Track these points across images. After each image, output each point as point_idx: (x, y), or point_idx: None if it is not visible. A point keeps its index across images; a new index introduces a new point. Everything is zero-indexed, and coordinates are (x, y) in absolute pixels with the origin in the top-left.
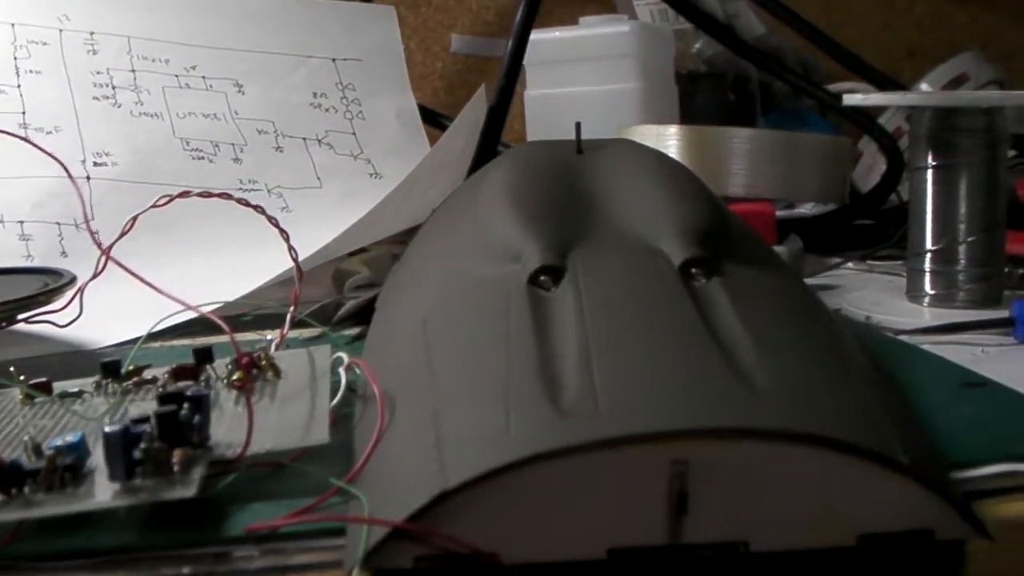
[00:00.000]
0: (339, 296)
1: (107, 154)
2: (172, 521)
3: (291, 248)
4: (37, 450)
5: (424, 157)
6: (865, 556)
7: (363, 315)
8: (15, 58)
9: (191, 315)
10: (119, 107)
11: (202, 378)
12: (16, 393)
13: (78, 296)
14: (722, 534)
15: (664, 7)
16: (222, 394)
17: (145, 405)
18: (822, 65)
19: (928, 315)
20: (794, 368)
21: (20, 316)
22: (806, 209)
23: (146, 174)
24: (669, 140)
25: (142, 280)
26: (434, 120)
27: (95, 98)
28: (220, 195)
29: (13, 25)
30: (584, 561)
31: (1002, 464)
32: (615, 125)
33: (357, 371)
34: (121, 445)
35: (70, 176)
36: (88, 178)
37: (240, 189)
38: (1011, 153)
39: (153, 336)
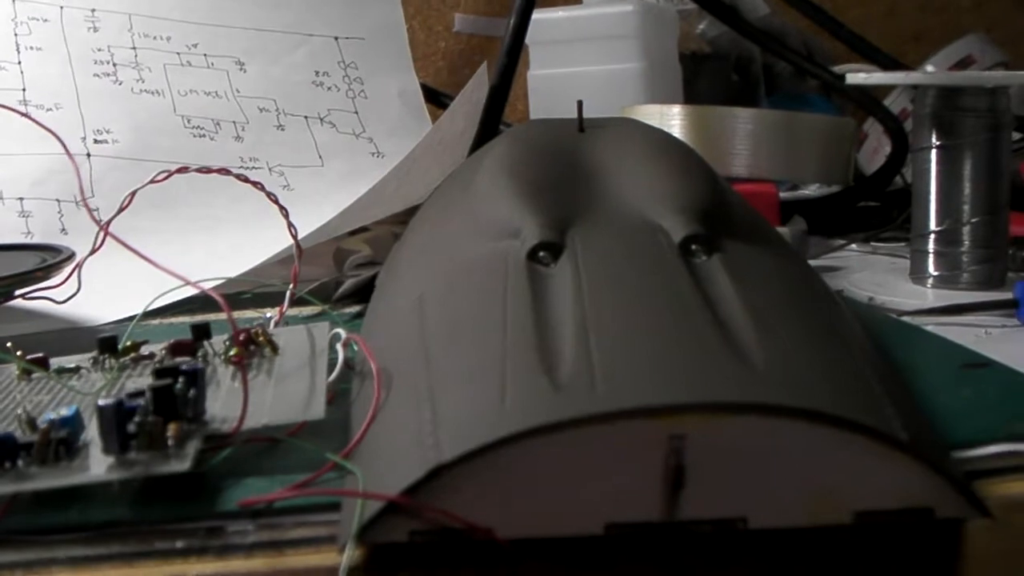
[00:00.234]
0: (339, 274)
1: (108, 131)
2: (166, 495)
3: (291, 225)
4: (31, 424)
5: (424, 136)
6: (863, 533)
7: (363, 293)
8: (15, 34)
9: (189, 292)
10: (120, 84)
11: (199, 354)
12: (13, 369)
13: (76, 272)
14: (720, 511)
15: None
16: (219, 370)
17: (142, 381)
18: (826, 46)
19: (931, 296)
20: (793, 345)
21: (17, 292)
22: (810, 191)
23: (147, 152)
24: (673, 120)
25: (140, 255)
26: (437, 100)
27: (96, 75)
28: (219, 171)
29: (13, 1)
30: (581, 536)
31: (1003, 444)
32: (618, 105)
33: (355, 348)
34: (115, 418)
35: (68, 153)
36: (88, 155)
37: (241, 167)
38: (1016, 136)
39: (151, 313)
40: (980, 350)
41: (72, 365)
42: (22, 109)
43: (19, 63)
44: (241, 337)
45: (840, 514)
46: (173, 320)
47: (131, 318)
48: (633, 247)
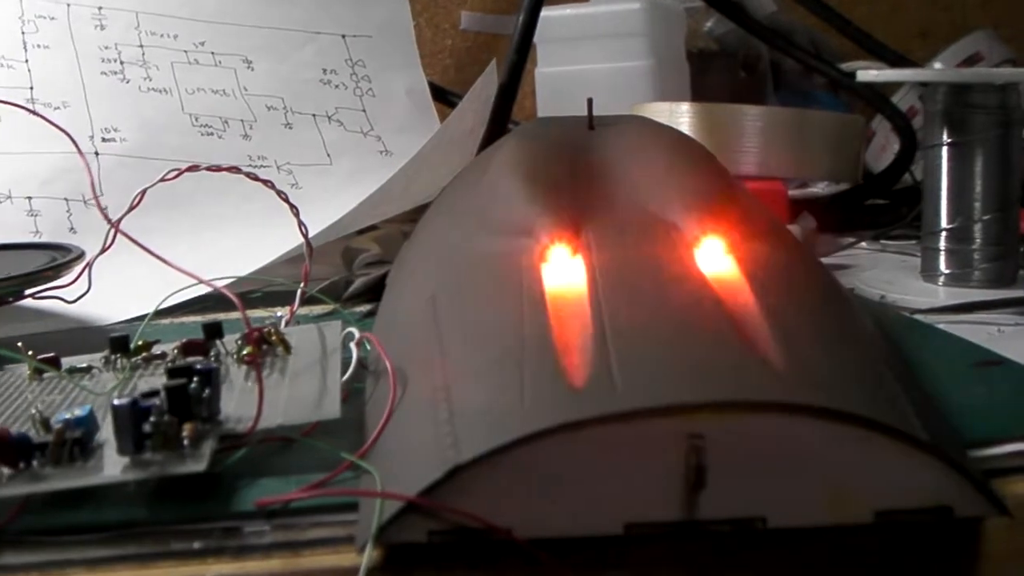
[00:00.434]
0: (349, 273)
1: (115, 130)
2: (180, 496)
3: (302, 224)
4: (45, 424)
5: (434, 134)
6: (883, 532)
7: (374, 292)
8: (23, 32)
9: (201, 291)
10: (127, 82)
11: (211, 353)
12: (24, 369)
13: (86, 271)
14: (740, 510)
15: None
16: (232, 369)
17: (154, 380)
18: (833, 43)
19: (943, 294)
20: (811, 344)
21: (27, 291)
22: (818, 188)
23: (154, 150)
24: (682, 118)
25: (153, 254)
26: (444, 98)
27: (103, 73)
28: (229, 169)
29: None
30: (600, 536)
31: (1019, 443)
32: (626, 103)
33: (368, 347)
34: (130, 418)
35: (79, 150)
36: (96, 154)
37: (249, 165)
38: None
39: (161, 312)
40: (993, 348)
41: (84, 365)
42: (29, 107)
43: (26, 61)
44: (254, 336)
45: (860, 513)
46: (183, 319)
47: (140, 317)
48: (648, 246)
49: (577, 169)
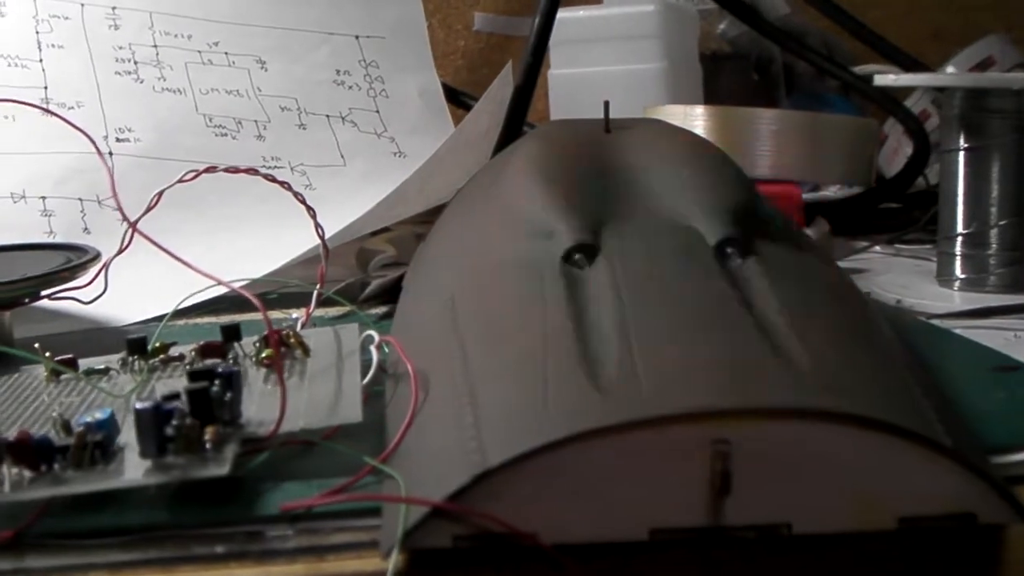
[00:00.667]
0: (364, 275)
1: (129, 130)
2: (202, 499)
3: (318, 226)
4: (66, 427)
5: (449, 136)
6: (906, 539)
7: (390, 294)
8: (37, 32)
9: (218, 292)
10: (141, 83)
11: (229, 356)
12: (40, 370)
13: (103, 272)
14: (765, 516)
15: None
16: (250, 372)
17: (172, 383)
18: (846, 46)
19: (958, 299)
20: (834, 349)
21: (44, 292)
22: (831, 192)
23: (168, 150)
24: (696, 120)
25: (171, 255)
26: (456, 99)
27: (117, 73)
28: (247, 171)
29: None
30: (625, 542)
31: None
32: (639, 105)
33: (386, 349)
34: (153, 421)
35: (98, 150)
36: (110, 154)
37: (263, 166)
38: None
39: (176, 314)
40: (1010, 353)
41: (101, 366)
42: (44, 107)
43: (40, 61)
44: (273, 338)
45: (884, 519)
46: (198, 320)
47: (156, 318)
48: (669, 249)
49: (595, 171)
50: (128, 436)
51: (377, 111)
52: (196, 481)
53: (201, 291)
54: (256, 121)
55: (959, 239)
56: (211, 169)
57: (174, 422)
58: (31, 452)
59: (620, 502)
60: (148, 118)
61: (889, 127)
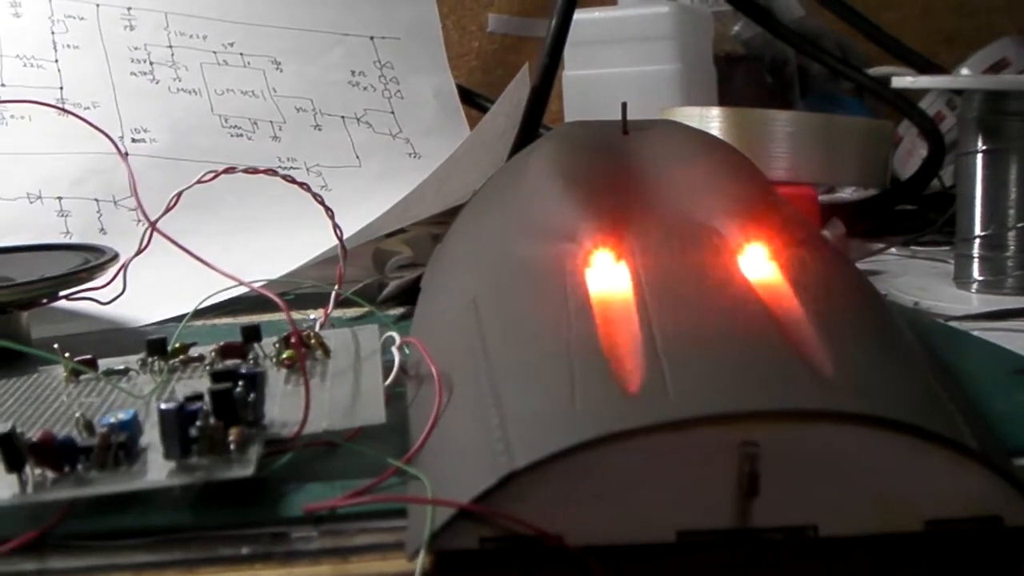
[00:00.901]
0: (381, 276)
1: (145, 130)
2: (226, 500)
3: (336, 227)
4: (89, 427)
5: (466, 138)
6: (932, 541)
7: (407, 295)
8: (53, 32)
9: (237, 292)
10: (157, 83)
11: (250, 356)
12: (60, 370)
13: (121, 273)
14: (791, 518)
15: None
16: (271, 373)
17: (192, 383)
18: (860, 48)
19: (976, 301)
20: (859, 351)
21: (62, 293)
22: (846, 194)
23: (184, 151)
24: (712, 122)
25: (192, 255)
26: (470, 100)
27: (133, 74)
28: (266, 172)
29: None
30: (652, 544)
31: None
32: (653, 107)
33: (407, 351)
34: (177, 422)
35: (119, 150)
36: (126, 154)
37: (279, 167)
38: None
39: (195, 314)
40: None
41: (121, 367)
42: (62, 107)
43: (56, 61)
44: (293, 339)
45: (910, 522)
46: (216, 321)
47: (174, 319)
48: (691, 252)
49: (615, 173)
50: (151, 437)
51: (392, 112)
52: (220, 482)
53: (222, 291)
54: (271, 122)
55: (977, 241)
56: (230, 170)
57: (198, 423)
58: (54, 453)
59: (647, 504)
60: (163, 118)
61: (903, 129)
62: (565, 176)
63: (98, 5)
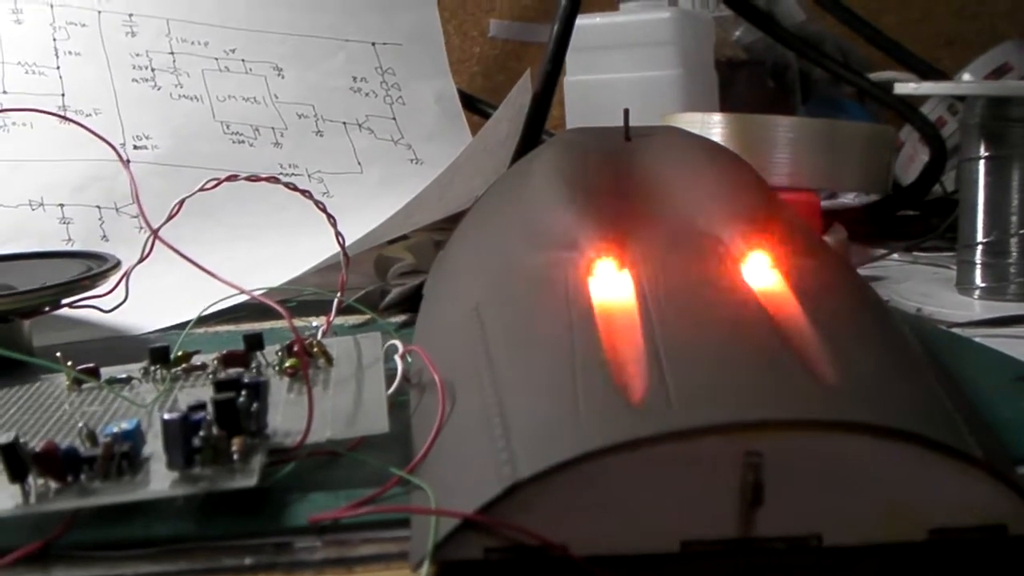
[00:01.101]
0: (383, 283)
1: (147, 137)
2: (229, 510)
3: (339, 234)
4: (92, 437)
5: (469, 144)
6: (937, 550)
7: (410, 302)
8: (54, 39)
9: (239, 300)
10: (158, 90)
11: (252, 365)
12: (62, 379)
13: (123, 280)
14: (795, 527)
15: None
16: (273, 381)
17: (195, 392)
18: (861, 52)
19: (979, 307)
20: (863, 360)
21: (64, 300)
22: (848, 199)
23: (186, 158)
24: (714, 128)
25: (195, 264)
26: (472, 106)
27: (134, 80)
28: (269, 179)
29: (52, 6)
30: (656, 554)
31: None
32: (655, 112)
33: (409, 359)
34: (180, 432)
35: (120, 157)
36: (128, 161)
37: (281, 173)
38: None
39: (197, 322)
40: None
41: (123, 375)
42: (61, 114)
43: (58, 68)
44: (295, 348)
45: (914, 531)
46: (218, 329)
47: (176, 326)
48: (694, 260)
49: (617, 180)
50: (153, 447)
51: (394, 118)
52: (223, 492)
53: (224, 299)
54: (273, 128)
55: (979, 248)
56: (233, 177)
57: (201, 433)
58: (58, 463)
59: (651, 514)
60: (165, 125)
61: (905, 134)
62: (567, 183)
63: (99, 12)
